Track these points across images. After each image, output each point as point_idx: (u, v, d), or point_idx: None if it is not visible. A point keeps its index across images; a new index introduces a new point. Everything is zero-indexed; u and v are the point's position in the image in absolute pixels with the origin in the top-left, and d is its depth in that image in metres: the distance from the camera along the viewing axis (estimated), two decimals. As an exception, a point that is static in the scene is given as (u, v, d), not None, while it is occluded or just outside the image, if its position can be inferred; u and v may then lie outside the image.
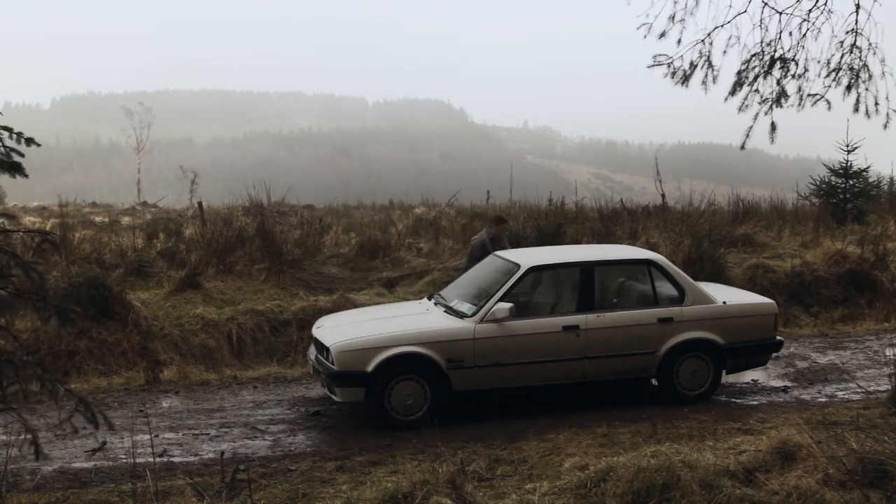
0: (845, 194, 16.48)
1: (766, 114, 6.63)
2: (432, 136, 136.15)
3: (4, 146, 3.74)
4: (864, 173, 16.65)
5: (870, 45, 6.44)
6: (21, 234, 4.31)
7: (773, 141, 6.76)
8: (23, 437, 3.89)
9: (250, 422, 7.08)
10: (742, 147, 6.80)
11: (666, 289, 7.48)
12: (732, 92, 6.69)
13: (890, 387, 6.45)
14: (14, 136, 3.79)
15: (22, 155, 3.80)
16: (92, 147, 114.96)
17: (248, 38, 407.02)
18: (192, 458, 6.18)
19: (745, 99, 6.64)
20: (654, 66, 6.70)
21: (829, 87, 6.57)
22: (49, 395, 3.74)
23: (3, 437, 4.58)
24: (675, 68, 6.72)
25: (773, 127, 6.67)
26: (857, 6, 6.34)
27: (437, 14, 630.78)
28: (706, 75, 6.68)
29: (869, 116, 6.55)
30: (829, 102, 6.59)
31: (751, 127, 6.69)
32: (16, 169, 3.76)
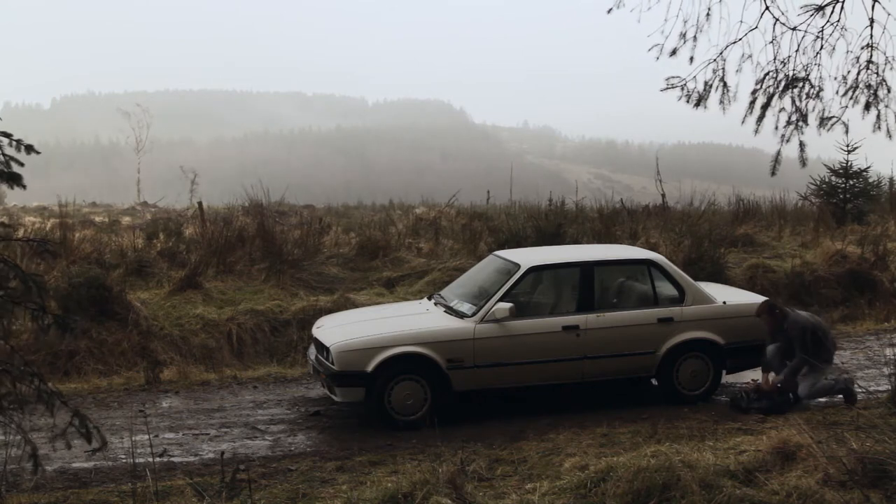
0: (845, 194, 16.47)
1: (788, 140, 6.53)
2: (432, 136, 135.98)
3: (4, 154, 3.70)
4: (864, 173, 16.64)
5: (886, 59, 6.38)
6: (21, 242, 4.28)
7: (804, 163, 6.64)
8: (21, 441, 3.88)
9: (250, 422, 7.08)
10: (773, 173, 6.68)
11: (666, 289, 7.48)
12: (750, 114, 6.57)
13: (890, 387, 6.44)
14: (13, 143, 3.75)
15: (21, 164, 3.77)
16: (92, 147, 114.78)
17: (248, 39, 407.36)
18: (192, 458, 6.18)
19: (760, 122, 6.53)
20: (667, 89, 6.58)
21: (847, 107, 6.47)
22: (45, 406, 3.73)
23: (2, 437, 4.59)
24: (689, 90, 6.60)
25: (802, 147, 6.56)
26: (872, 20, 6.28)
27: (437, 14, 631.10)
28: (722, 95, 6.55)
29: (891, 136, 6.43)
30: (846, 125, 6.50)
31: (779, 151, 6.59)
32: (15, 180, 3.73)
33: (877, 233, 13.70)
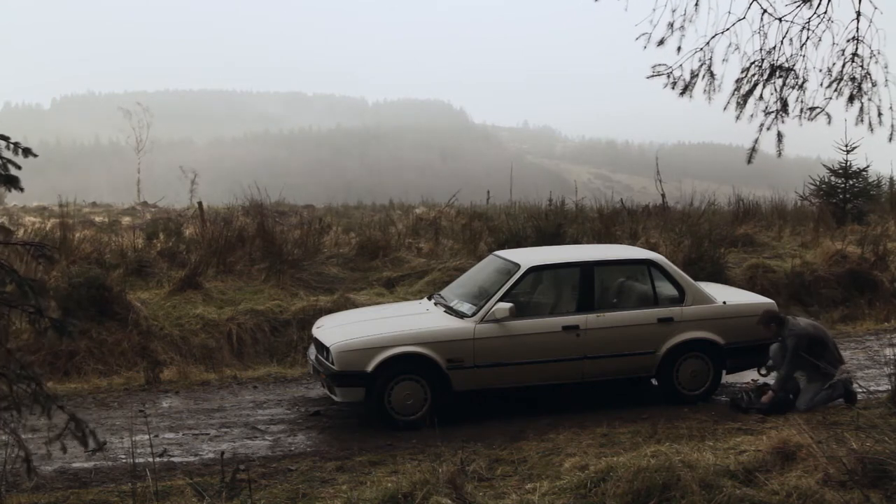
0: (845, 194, 16.47)
1: (768, 128, 6.53)
2: (432, 136, 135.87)
3: (1, 157, 3.70)
4: (864, 173, 16.64)
5: (871, 53, 6.39)
6: (18, 246, 4.28)
7: (780, 154, 6.66)
8: (16, 449, 3.87)
9: (250, 422, 7.08)
10: (749, 161, 6.69)
11: (666, 289, 7.48)
12: (731, 101, 6.60)
13: (890, 387, 6.45)
14: (11, 146, 3.75)
15: (19, 167, 3.78)
16: (92, 147, 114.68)
17: (248, 39, 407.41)
18: (192, 458, 6.19)
19: (741, 109, 6.54)
20: (653, 76, 6.60)
21: (831, 98, 6.49)
22: (42, 410, 3.72)
23: (3, 438, 4.58)
24: (674, 78, 6.62)
25: (780, 137, 6.57)
26: (858, 14, 6.29)
27: (437, 14, 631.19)
28: (708, 84, 6.57)
29: (872, 130, 6.45)
30: (829, 116, 6.51)
31: (756, 139, 6.57)
32: (12, 183, 3.73)
33: (877, 233, 13.70)
